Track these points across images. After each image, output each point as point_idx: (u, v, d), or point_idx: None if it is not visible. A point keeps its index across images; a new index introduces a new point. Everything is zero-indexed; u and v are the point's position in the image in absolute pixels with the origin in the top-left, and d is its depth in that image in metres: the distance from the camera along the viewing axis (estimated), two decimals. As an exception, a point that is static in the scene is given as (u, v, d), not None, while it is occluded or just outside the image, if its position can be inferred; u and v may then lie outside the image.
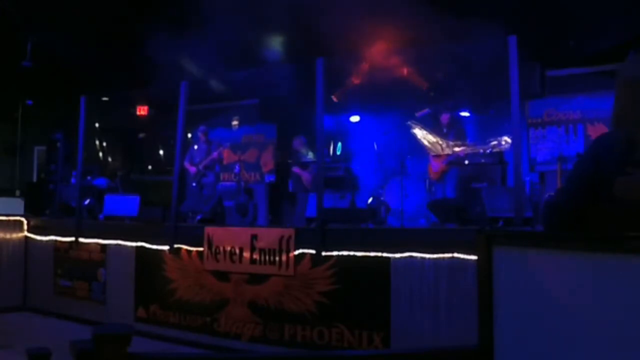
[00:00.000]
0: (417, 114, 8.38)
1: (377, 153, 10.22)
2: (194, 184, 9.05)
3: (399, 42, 9.18)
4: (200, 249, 6.87)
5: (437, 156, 8.04)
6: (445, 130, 8.30)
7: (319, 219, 6.21)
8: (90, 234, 8.14)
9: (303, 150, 9.02)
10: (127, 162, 12.81)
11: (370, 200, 8.31)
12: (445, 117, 8.40)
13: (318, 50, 7.41)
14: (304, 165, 9.02)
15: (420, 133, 8.13)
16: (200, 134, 9.32)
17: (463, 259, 5.25)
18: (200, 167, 8.92)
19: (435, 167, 8.15)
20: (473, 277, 4.16)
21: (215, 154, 8.99)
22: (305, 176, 8.85)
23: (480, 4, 7.53)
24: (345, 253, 5.93)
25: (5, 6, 9.80)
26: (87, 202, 8.79)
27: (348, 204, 7.34)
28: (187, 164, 9.08)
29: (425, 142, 7.97)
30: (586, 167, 2.06)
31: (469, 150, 7.97)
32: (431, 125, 9.08)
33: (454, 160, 7.99)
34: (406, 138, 8.59)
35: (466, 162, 8.75)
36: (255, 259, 6.45)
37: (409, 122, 8.01)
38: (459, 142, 7.99)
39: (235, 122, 11.36)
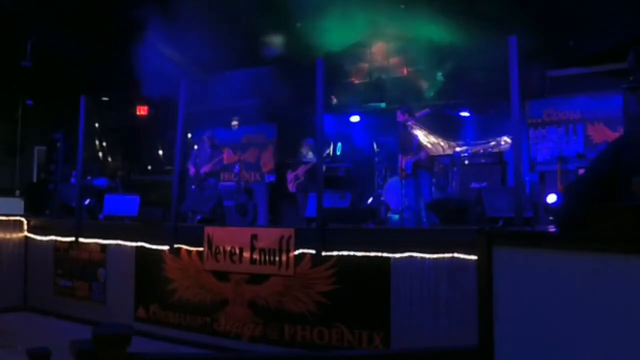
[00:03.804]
0: (417, 114, 8.35)
1: (377, 153, 10.24)
2: (193, 187, 9.03)
3: (399, 41, 9.19)
4: (200, 249, 6.87)
5: (406, 153, 7.85)
6: (401, 129, 7.97)
7: (319, 219, 6.20)
8: (90, 234, 8.13)
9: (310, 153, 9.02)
10: (127, 162, 12.81)
11: (370, 200, 8.31)
12: (399, 116, 7.98)
13: (318, 50, 7.42)
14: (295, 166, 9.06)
15: (421, 133, 8.10)
16: (205, 138, 9.26)
17: (463, 259, 5.25)
18: (201, 172, 8.91)
19: (407, 164, 7.74)
20: (473, 277, 4.16)
21: (216, 160, 8.95)
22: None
23: (481, 4, 7.53)
24: (345, 253, 5.92)
25: (5, 6, 9.80)
26: (87, 202, 8.79)
27: (348, 204, 7.34)
28: (190, 165, 9.08)
29: (426, 143, 7.93)
30: (602, 168, 2.06)
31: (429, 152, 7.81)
32: (431, 126, 9.08)
33: (421, 159, 7.74)
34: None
35: (466, 161, 8.74)
36: (255, 259, 6.45)
37: (409, 123, 7.98)
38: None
39: (235, 122, 11.37)
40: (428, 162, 7.69)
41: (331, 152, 10.73)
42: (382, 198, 9.23)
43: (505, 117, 6.66)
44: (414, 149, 7.68)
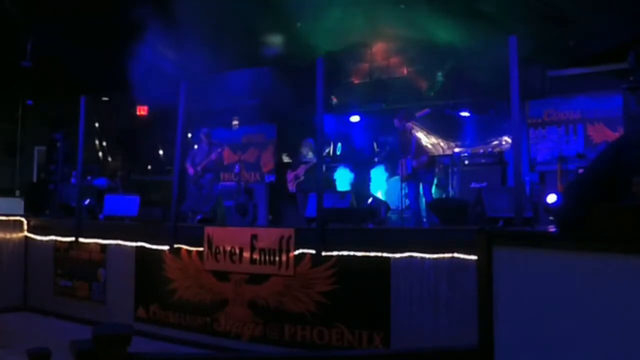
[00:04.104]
0: (417, 114, 8.35)
1: (377, 153, 10.25)
2: (191, 186, 9.02)
3: (399, 41, 9.19)
4: (200, 249, 6.86)
5: (407, 155, 7.85)
6: (400, 130, 7.99)
7: (319, 219, 6.20)
8: (90, 234, 8.13)
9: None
10: (127, 162, 12.82)
11: (370, 200, 8.31)
12: (396, 122, 8.00)
13: (318, 50, 7.42)
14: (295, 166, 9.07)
15: (421, 134, 8.10)
16: (202, 136, 9.27)
17: (463, 259, 5.25)
18: (199, 168, 8.91)
19: (407, 164, 7.75)
20: (473, 277, 4.17)
21: (213, 156, 8.95)
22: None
23: (481, 4, 7.54)
24: (345, 253, 5.92)
25: (5, 6, 9.80)
26: (87, 202, 8.78)
27: (348, 204, 7.34)
28: (188, 165, 9.07)
29: (427, 144, 7.93)
30: (602, 168, 2.06)
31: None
32: (431, 126, 9.07)
33: (420, 165, 7.73)
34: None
35: (466, 161, 8.73)
36: (255, 259, 6.45)
37: (409, 123, 7.98)
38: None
39: (235, 122, 11.37)
40: (428, 164, 7.69)
41: (331, 152, 10.74)
42: (382, 198, 9.23)
43: (505, 117, 6.66)
44: (412, 151, 7.68)
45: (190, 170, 9.00)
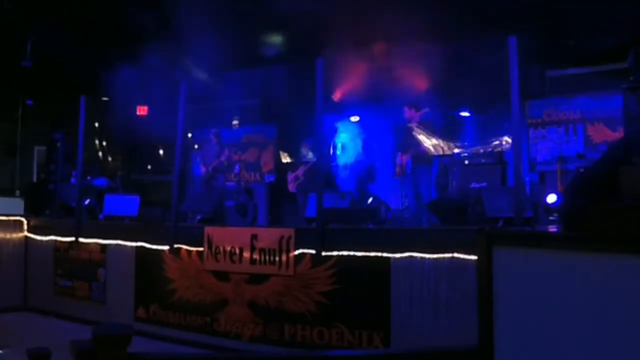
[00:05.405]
0: (417, 113, 8.35)
1: (376, 153, 10.24)
2: (199, 186, 9.04)
3: (399, 41, 9.18)
4: (200, 249, 6.86)
5: (404, 151, 7.89)
6: (402, 128, 8.06)
7: (319, 219, 6.20)
8: (90, 234, 8.13)
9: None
10: (127, 162, 12.81)
11: (370, 200, 8.31)
12: (406, 111, 8.10)
13: (318, 50, 7.40)
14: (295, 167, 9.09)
15: (422, 136, 8.10)
16: (212, 136, 9.31)
17: (463, 259, 5.25)
18: (210, 168, 8.94)
19: (407, 162, 7.85)
20: (473, 277, 4.17)
21: (223, 158, 8.99)
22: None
23: (481, 4, 7.54)
24: (345, 253, 5.92)
25: (5, 6, 9.80)
26: (87, 202, 8.78)
27: (348, 204, 7.34)
28: (200, 164, 9.14)
29: (428, 146, 7.93)
30: (604, 167, 2.07)
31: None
32: (431, 126, 9.05)
33: (419, 156, 7.78)
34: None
35: (466, 161, 8.73)
36: (255, 259, 6.45)
37: (409, 124, 7.98)
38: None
39: (235, 122, 11.38)
40: (427, 157, 7.72)
41: (331, 152, 10.73)
42: (382, 198, 9.23)
43: (505, 117, 6.65)
44: (413, 147, 7.71)
45: (202, 169, 9.04)
